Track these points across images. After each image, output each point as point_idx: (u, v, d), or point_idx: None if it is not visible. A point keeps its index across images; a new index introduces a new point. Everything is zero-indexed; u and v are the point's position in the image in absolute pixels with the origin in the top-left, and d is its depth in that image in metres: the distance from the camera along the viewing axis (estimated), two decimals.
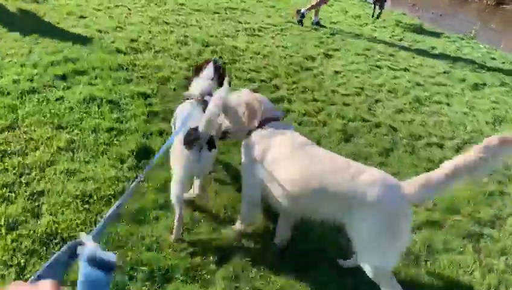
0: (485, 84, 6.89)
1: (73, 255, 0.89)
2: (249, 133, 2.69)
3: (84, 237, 0.91)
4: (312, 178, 2.37)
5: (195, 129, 2.42)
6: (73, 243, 0.90)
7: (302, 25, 8.52)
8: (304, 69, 6.17)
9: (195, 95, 2.91)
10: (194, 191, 3.08)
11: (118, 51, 5.50)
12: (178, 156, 2.59)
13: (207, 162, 2.66)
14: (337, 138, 4.37)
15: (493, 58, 8.49)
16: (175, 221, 2.72)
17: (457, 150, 4.54)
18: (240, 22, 8.02)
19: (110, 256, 0.86)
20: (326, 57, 6.94)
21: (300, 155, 2.48)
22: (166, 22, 7.11)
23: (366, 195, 2.22)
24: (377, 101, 5.50)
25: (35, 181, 3.02)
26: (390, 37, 8.97)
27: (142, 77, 4.93)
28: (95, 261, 0.85)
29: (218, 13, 8.37)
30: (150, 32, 6.48)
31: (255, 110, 2.67)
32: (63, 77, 4.55)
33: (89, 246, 0.88)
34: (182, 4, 8.53)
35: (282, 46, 7.02)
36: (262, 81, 5.48)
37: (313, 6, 8.75)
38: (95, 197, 2.96)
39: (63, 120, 3.77)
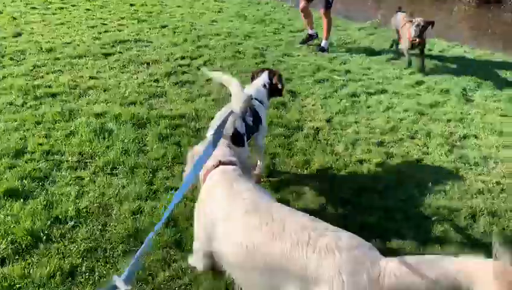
0: (476, 90, 5.77)
1: None
2: None
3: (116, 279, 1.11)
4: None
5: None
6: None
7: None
8: (312, 139, 4.34)
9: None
10: None
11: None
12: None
13: None
14: None
15: (430, 50, 7.60)
16: None
17: None
18: (147, 64, 5.73)
19: None
20: (293, 96, 5.19)
21: None
22: (39, 96, 4.50)
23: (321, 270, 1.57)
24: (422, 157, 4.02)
25: None
26: (319, 43, 7.49)
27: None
28: None
29: (110, 54, 5.89)
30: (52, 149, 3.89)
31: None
32: None
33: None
34: (49, 50, 5.78)
35: None
36: (297, 195, 3.52)
37: (328, 32, 7.23)
38: None
39: None
